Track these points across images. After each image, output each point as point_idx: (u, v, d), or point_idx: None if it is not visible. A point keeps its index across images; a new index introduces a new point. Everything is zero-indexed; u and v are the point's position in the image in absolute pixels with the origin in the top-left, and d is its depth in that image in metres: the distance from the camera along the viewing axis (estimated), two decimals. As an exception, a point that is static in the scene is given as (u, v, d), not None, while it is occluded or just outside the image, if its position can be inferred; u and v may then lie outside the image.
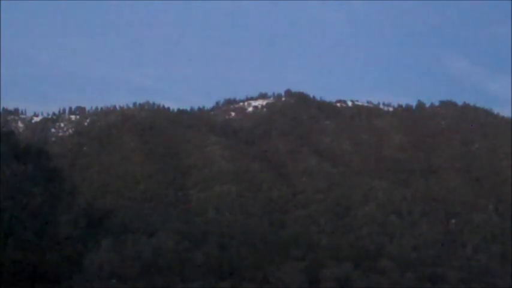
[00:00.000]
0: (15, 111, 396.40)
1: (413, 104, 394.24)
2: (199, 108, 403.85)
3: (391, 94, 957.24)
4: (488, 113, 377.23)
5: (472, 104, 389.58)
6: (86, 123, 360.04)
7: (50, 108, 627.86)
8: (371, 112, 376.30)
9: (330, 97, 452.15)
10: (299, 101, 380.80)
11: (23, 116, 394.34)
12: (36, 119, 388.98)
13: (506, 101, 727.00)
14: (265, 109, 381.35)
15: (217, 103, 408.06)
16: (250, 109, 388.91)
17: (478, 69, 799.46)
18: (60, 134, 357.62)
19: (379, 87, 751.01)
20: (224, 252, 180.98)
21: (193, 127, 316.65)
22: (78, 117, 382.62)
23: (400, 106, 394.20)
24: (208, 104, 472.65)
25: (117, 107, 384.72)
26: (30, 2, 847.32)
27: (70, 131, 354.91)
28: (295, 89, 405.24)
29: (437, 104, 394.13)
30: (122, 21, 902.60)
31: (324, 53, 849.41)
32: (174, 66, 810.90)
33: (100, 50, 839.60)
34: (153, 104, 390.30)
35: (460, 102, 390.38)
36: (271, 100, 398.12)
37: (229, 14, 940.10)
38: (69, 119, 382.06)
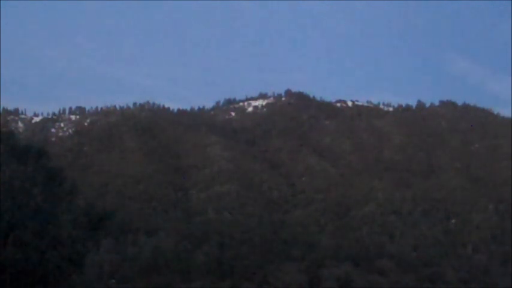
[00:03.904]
0: (15, 111, 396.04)
1: (413, 104, 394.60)
2: (199, 108, 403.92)
3: (391, 94, 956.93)
4: (488, 113, 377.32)
5: (472, 104, 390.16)
6: (86, 123, 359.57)
7: (50, 108, 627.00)
8: (371, 112, 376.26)
9: (330, 97, 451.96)
10: (299, 101, 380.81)
11: (23, 116, 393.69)
12: (36, 119, 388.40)
13: (506, 101, 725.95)
14: (265, 109, 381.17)
15: (217, 103, 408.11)
16: (250, 109, 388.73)
17: (479, 69, 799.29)
18: (60, 134, 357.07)
19: (379, 87, 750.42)
20: (224, 252, 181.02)
21: (193, 127, 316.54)
22: (78, 117, 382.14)
23: (400, 106, 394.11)
24: (208, 104, 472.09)
25: (117, 107, 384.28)
26: (31, 2, 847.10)
27: (70, 131, 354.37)
28: (295, 89, 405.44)
29: (437, 104, 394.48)
30: (122, 21, 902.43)
31: (324, 53, 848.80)
32: (174, 66, 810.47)
33: (100, 50, 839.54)
34: (153, 104, 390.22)
35: (460, 102, 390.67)
36: (271, 100, 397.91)
37: (229, 14, 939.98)
38: (69, 119, 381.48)
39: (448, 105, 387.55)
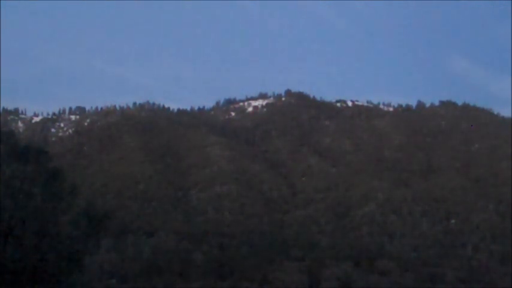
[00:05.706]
0: (15, 111, 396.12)
1: (413, 104, 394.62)
2: (199, 108, 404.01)
3: (391, 94, 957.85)
4: (488, 113, 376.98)
5: (472, 104, 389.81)
6: (86, 123, 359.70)
7: (50, 108, 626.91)
8: (371, 112, 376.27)
9: (330, 97, 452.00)
10: (299, 101, 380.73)
11: (23, 116, 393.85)
12: (36, 119, 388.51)
13: (506, 101, 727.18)
14: (265, 109, 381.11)
15: (217, 103, 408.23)
16: (250, 109, 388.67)
17: (479, 69, 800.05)
18: (60, 134, 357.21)
19: (379, 87, 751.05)
20: (224, 252, 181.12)
21: (193, 127, 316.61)
22: (78, 117, 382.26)
23: (400, 106, 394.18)
24: (208, 104, 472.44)
25: (117, 107, 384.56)
26: (31, 2, 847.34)
27: (70, 131, 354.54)
28: (295, 89, 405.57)
29: (437, 104, 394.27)
30: (122, 21, 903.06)
31: (323, 53, 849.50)
32: (174, 66, 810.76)
33: (100, 50, 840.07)
34: (153, 104, 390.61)
35: (460, 102, 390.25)
36: (271, 100, 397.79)
37: (230, 14, 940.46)
38: (69, 119, 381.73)
39: (448, 105, 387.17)
